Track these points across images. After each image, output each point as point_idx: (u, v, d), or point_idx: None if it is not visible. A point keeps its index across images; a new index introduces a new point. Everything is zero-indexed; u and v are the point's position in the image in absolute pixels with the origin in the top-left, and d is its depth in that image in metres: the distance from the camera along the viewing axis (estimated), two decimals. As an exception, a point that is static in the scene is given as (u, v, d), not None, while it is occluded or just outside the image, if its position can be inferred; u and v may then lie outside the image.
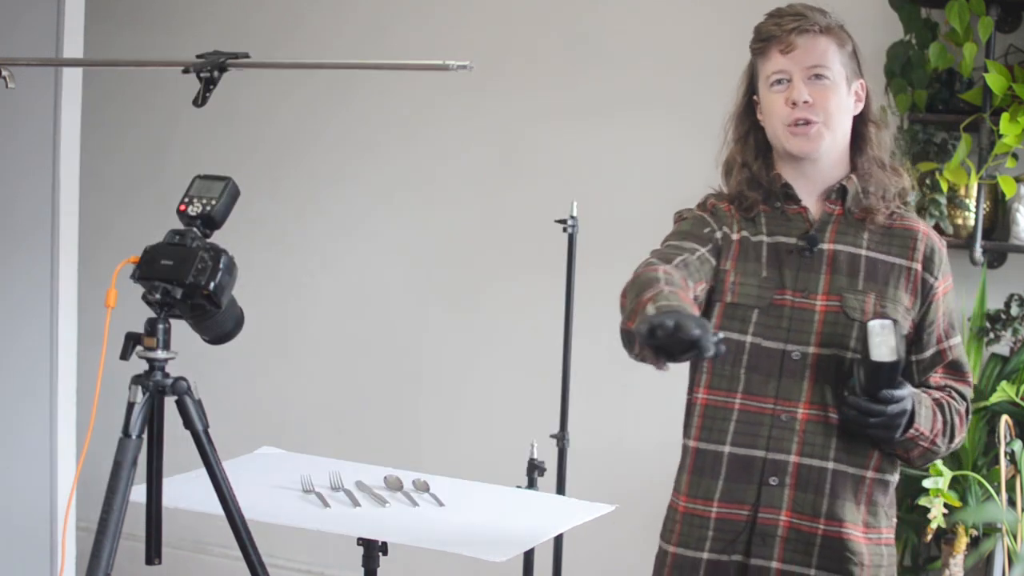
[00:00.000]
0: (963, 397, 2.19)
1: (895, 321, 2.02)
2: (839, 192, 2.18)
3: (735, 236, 2.18)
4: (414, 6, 4.25)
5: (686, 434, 2.22)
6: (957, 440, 2.17)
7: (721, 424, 2.15)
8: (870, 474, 2.14)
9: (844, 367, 2.10)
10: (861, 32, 3.53)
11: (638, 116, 3.94)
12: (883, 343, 1.98)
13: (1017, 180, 3.38)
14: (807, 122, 2.11)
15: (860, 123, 2.20)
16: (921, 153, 3.45)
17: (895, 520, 2.22)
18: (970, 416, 2.21)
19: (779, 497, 2.10)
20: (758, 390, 2.12)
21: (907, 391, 2.05)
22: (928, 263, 2.17)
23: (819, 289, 2.13)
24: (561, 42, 4.06)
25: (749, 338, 2.13)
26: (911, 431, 2.07)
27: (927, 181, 3.41)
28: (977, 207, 3.39)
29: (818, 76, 2.12)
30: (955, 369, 2.20)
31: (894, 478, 2.20)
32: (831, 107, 2.12)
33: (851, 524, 2.11)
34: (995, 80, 3.25)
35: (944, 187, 3.37)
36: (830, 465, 2.11)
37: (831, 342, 2.10)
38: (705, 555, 2.14)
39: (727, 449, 2.13)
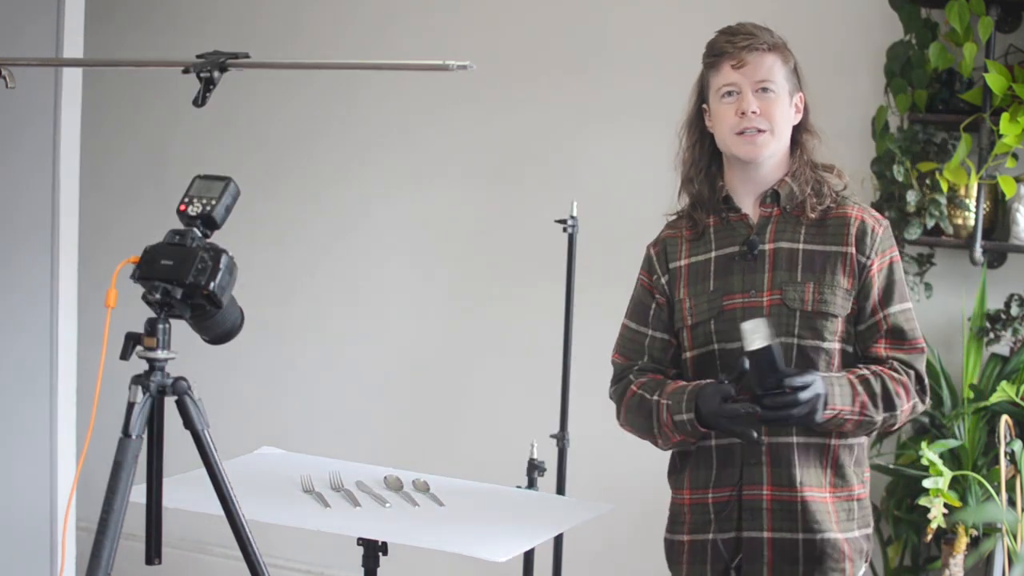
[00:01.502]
0: (908, 365, 2.34)
1: (764, 318, 2.21)
2: (773, 196, 2.37)
3: (683, 263, 2.42)
4: (414, 6, 4.25)
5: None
6: (903, 409, 2.32)
7: None
8: (833, 441, 2.34)
9: (791, 352, 2.30)
10: (861, 32, 3.56)
11: (638, 116, 3.93)
12: (756, 335, 2.17)
13: (1017, 180, 3.38)
14: (757, 130, 2.31)
15: (797, 132, 2.41)
16: (921, 153, 3.45)
17: (867, 474, 2.41)
18: (925, 383, 2.36)
19: (759, 474, 2.32)
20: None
21: (815, 375, 2.20)
22: (860, 244, 2.34)
23: (764, 287, 2.33)
24: (562, 43, 4.06)
25: (715, 346, 2.35)
26: (828, 411, 2.22)
27: (927, 181, 3.41)
28: (977, 207, 3.39)
29: (765, 89, 2.33)
30: (897, 337, 2.35)
31: (858, 441, 2.38)
32: (776, 116, 2.33)
33: (818, 488, 2.32)
34: (995, 80, 3.25)
35: (944, 187, 3.37)
36: (794, 439, 2.32)
37: (777, 332, 2.28)
38: (710, 536, 2.36)
39: (713, 442, 2.36)
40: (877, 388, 2.29)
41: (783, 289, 2.31)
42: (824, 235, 2.34)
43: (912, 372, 2.34)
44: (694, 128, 2.43)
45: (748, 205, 2.39)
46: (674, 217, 2.49)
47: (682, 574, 2.41)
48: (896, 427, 2.37)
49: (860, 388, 2.27)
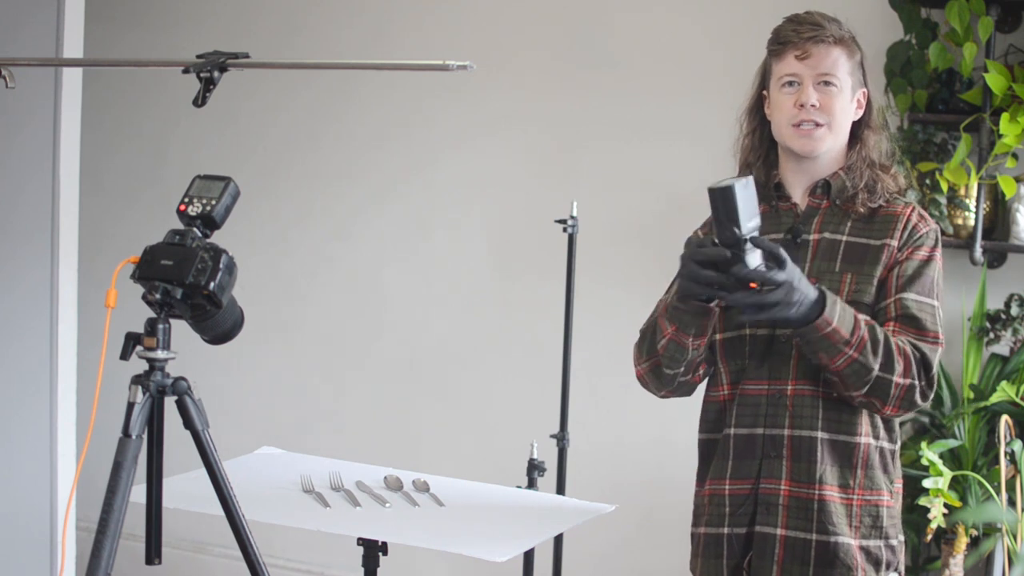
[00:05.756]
0: (916, 348, 2.21)
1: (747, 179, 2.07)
2: (824, 187, 2.35)
3: None
4: (414, 6, 4.25)
5: (713, 429, 2.37)
6: (898, 381, 2.18)
7: (728, 408, 2.33)
8: (863, 440, 2.27)
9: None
10: (861, 32, 3.55)
11: (639, 116, 3.94)
12: (728, 178, 2.04)
13: (1017, 180, 3.38)
14: (815, 124, 2.28)
15: (858, 127, 2.37)
16: (921, 153, 3.45)
17: (898, 484, 2.34)
18: (932, 373, 2.21)
19: (778, 469, 2.27)
20: (754, 374, 2.30)
21: (793, 269, 2.08)
22: (901, 238, 2.30)
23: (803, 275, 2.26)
24: (562, 42, 4.06)
25: (746, 331, 2.31)
26: (821, 321, 2.11)
27: (927, 181, 3.41)
28: (977, 207, 3.39)
29: (827, 83, 2.30)
30: (909, 324, 2.24)
31: (890, 445, 2.31)
32: (835, 111, 2.30)
33: (841, 488, 2.26)
34: (995, 80, 3.25)
35: (944, 187, 3.37)
36: (819, 435, 2.26)
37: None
38: (725, 530, 2.32)
39: (732, 431, 2.31)
40: (880, 337, 2.17)
41: (819, 279, 2.26)
42: (870, 230, 2.30)
43: (919, 355, 2.21)
44: (754, 115, 2.40)
45: (798, 194, 2.36)
46: None
47: (698, 568, 2.37)
48: (887, 403, 2.19)
49: (863, 325, 2.16)
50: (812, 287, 2.13)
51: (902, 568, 2.34)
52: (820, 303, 2.13)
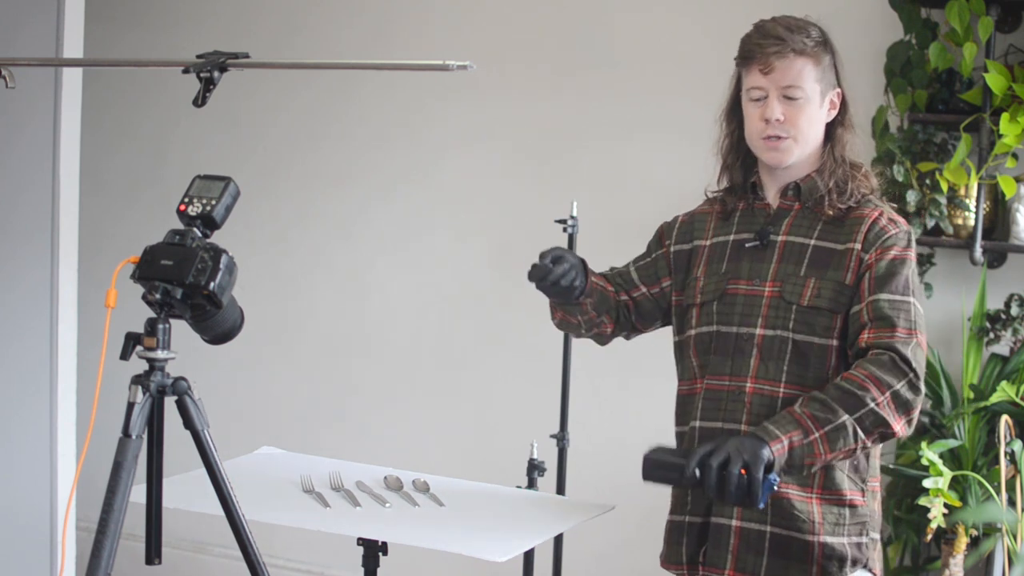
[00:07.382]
0: (886, 348, 2.18)
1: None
2: (795, 189, 2.38)
3: (707, 242, 2.45)
4: (414, 6, 4.25)
5: (683, 421, 2.44)
6: (878, 399, 2.15)
7: (695, 401, 2.39)
8: None
9: (786, 346, 2.28)
10: (861, 32, 3.56)
11: (638, 116, 3.94)
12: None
13: (1017, 180, 3.38)
14: (778, 137, 2.32)
15: (832, 126, 2.39)
16: (921, 153, 3.45)
17: (872, 483, 2.33)
18: (912, 366, 2.17)
19: None
20: (717, 370, 2.35)
21: (719, 441, 2.14)
22: (866, 242, 2.30)
23: (768, 277, 2.34)
24: (562, 43, 4.06)
25: (715, 327, 2.36)
26: (777, 447, 2.11)
27: (927, 181, 3.41)
28: (977, 207, 3.39)
29: (792, 96, 2.31)
30: (883, 324, 2.21)
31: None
32: (802, 123, 2.33)
33: (798, 487, 2.27)
34: (995, 80, 3.26)
35: (944, 187, 3.37)
36: None
37: (774, 324, 2.30)
38: (686, 518, 2.37)
39: (697, 424, 2.36)
40: (821, 396, 2.16)
41: (783, 282, 2.30)
42: (838, 233, 2.31)
43: (887, 355, 2.16)
44: (732, 118, 2.44)
45: (772, 195, 2.40)
46: (713, 194, 2.50)
47: (664, 554, 2.43)
48: (890, 424, 2.15)
49: (798, 409, 2.15)
50: (734, 441, 2.13)
51: (876, 566, 2.34)
52: (760, 437, 2.12)
